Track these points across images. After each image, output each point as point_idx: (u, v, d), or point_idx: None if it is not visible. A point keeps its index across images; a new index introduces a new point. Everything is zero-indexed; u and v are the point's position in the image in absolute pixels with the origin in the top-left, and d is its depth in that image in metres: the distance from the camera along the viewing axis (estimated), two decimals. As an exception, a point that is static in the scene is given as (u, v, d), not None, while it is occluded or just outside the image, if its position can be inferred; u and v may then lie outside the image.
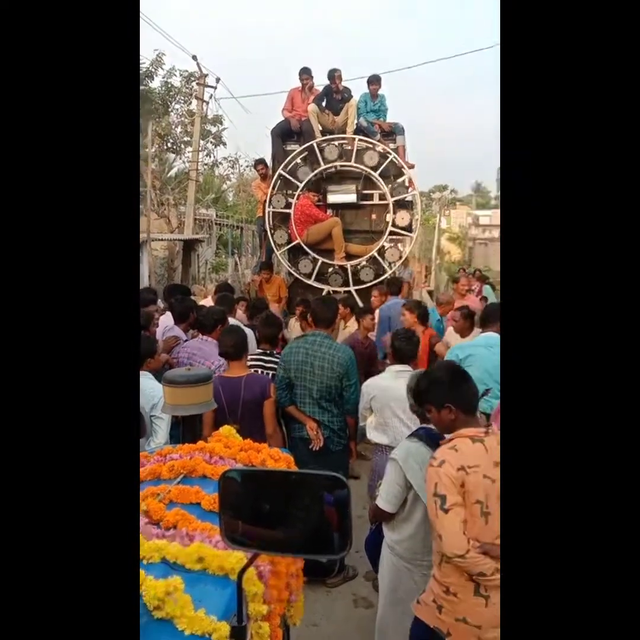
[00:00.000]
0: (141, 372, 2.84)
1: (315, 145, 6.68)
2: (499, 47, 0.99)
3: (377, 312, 5.60)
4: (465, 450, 1.80)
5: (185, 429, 2.13)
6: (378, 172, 6.63)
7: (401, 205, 6.75)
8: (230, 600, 1.13)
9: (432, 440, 2.15)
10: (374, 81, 6.95)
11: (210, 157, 15.56)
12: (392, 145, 6.83)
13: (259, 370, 3.40)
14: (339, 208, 6.87)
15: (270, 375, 3.35)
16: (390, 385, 3.05)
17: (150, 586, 1.08)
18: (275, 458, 1.84)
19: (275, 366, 3.34)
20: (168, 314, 4.12)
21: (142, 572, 1.12)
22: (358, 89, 7.10)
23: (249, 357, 3.42)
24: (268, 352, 3.53)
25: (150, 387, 2.79)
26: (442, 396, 1.91)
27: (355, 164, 6.71)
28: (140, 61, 14.05)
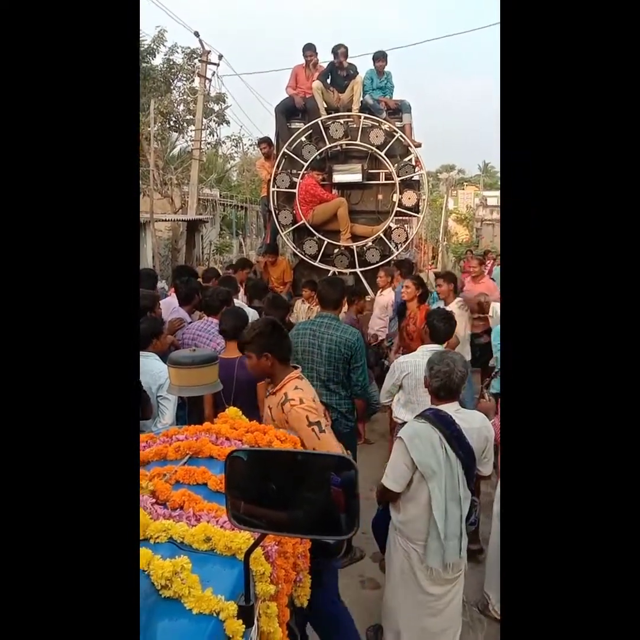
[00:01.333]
0: (147, 353, 2.84)
1: (320, 123, 6.56)
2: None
3: (384, 293, 5.61)
4: (304, 386, 2.16)
5: (191, 410, 2.14)
6: (384, 151, 6.52)
7: (408, 185, 6.64)
8: (237, 580, 1.13)
9: (440, 421, 2.14)
10: (380, 58, 6.80)
11: (213, 135, 15.38)
12: (398, 124, 6.71)
13: None
14: (344, 188, 6.78)
15: None
16: (424, 362, 3.06)
17: (158, 566, 1.08)
18: (282, 439, 1.84)
19: None
20: (174, 295, 4.10)
21: (149, 551, 1.12)
22: (364, 66, 6.96)
23: None
24: None
25: (156, 368, 2.78)
26: (263, 345, 2.23)
27: (361, 143, 6.60)
28: (142, 38, 13.83)
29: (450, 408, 2.24)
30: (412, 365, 3.20)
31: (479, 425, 2.25)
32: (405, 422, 3.01)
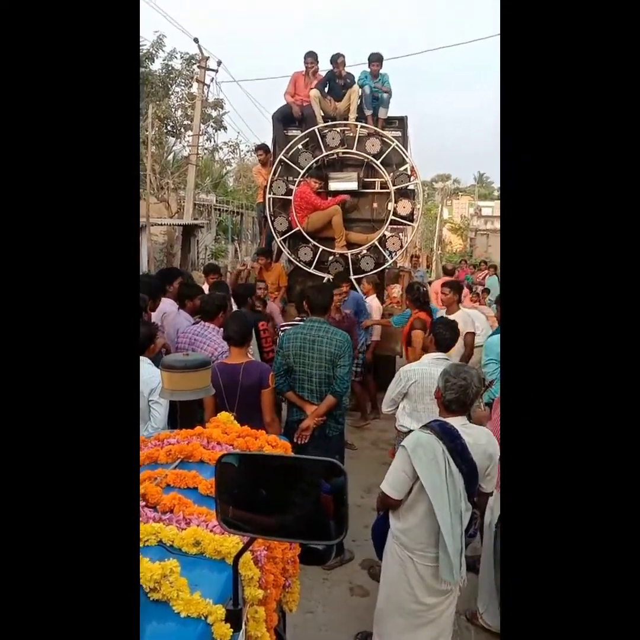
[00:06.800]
0: (140, 357, 2.84)
1: (317, 131, 6.61)
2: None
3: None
4: None
5: (183, 415, 2.13)
6: (380, 159, 6.57)
7: (403, 194, 6.68)
8: (226, 584, 1.13)
9: (445, 434, 2.11)
10: (375, 60, 6.77)
11: (210, 141, 15.45)
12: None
13: None
14: (339, 196, 6.82)
15: None
16: (431, 371, 3.08)
17: (147, 568, 1.08)
18: (273, 444, 1.84)
19: None
20: (164, 299, 4.10)
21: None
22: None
23: (290, 321, 3.65)
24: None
25: (148, 373, 2.78)
26: None
27: (357, 151, 6.65)
28: (141, 43, 13.88)
29: (458, 422, 2.20)
30: (419, 373, 3.20)
31: (484, 442, 2.19)
32: (409, 431, 3.01)
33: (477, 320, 5.34)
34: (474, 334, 4.69)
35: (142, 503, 1.37)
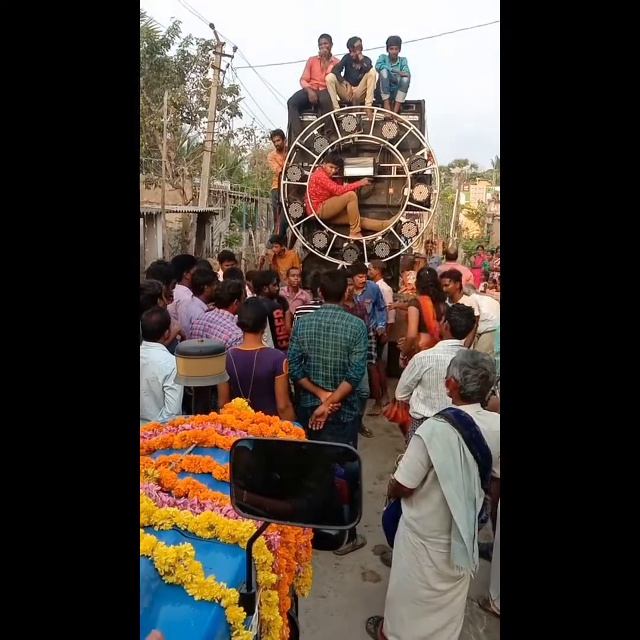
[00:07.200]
0: (154, 344, 2.86)
1: (332, 116, 6.54)
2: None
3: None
4: None
5: (197, 400, 2.14)
6: (397, 144, 6.48)
7: (419, 179, 6.60)
8: (239, 568, 1.14)
9: (460, 422, 2.10)
10: (394, 44, 6.70)
11: (225, 127, 15.38)
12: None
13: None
14: (355, 181, 6.76)
15: None
16: (445, 359, 3.05)
17: (162, 552, 1.09)
18: (287, 431, 1.84)
19: None
20: (179, 286, 4.11)
21: (153, 538, 1.13)
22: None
23: (305, 306, 3.75)
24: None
25: (163, 359, 2.80)
26: None
27: (373, 136, 6.56)
28: (157, 30, 13.84)
29: (472, 409, 2.21)
30: (433, 360, 3.19)
31: (498, 428, 2.17)
32: (423, 418, 3.00)
33: (488, 306, 5.29)
34: (477, 317, 4.67)
35: (157, 488, 1.38)
